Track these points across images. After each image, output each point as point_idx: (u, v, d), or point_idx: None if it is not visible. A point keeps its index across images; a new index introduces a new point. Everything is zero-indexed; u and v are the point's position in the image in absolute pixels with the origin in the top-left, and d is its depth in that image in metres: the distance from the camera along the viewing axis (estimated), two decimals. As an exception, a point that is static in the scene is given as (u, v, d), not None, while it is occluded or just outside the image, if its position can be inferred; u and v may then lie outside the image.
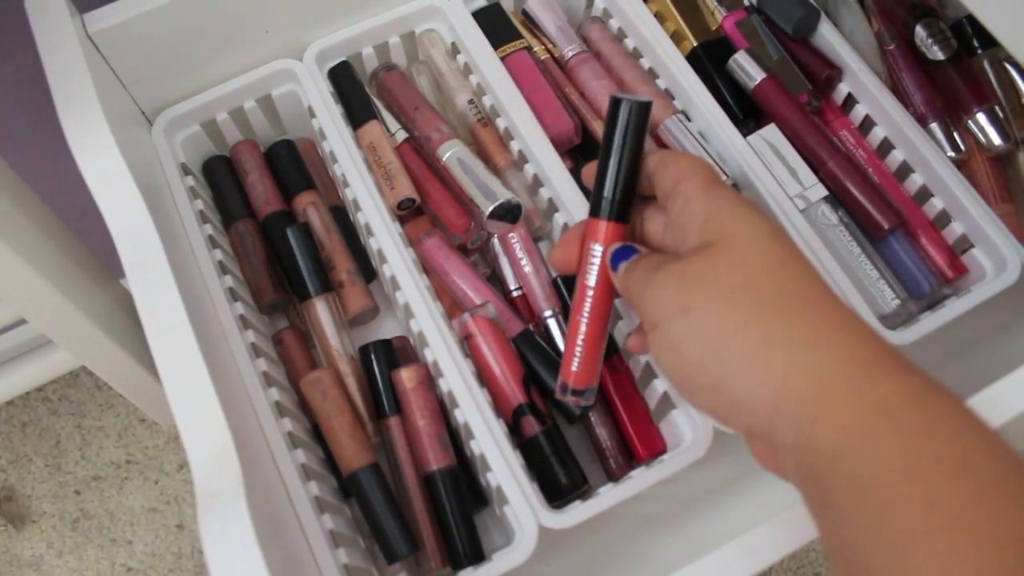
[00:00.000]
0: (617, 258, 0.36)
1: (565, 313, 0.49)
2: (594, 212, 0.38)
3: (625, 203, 0.37)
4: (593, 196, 0.38)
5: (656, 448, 0.46)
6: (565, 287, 0.49)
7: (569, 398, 0.40)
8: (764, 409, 0.28)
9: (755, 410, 0.29)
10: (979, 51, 0.53)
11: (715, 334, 0.30)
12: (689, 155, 0.36)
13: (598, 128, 0.52)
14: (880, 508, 0.25)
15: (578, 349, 0.39)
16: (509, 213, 0.48)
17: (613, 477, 0.46)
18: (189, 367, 0.36)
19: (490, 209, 0.47)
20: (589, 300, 0.38)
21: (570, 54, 0.55)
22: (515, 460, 0.43)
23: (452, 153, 0.50)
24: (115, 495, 0.96)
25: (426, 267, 0.50)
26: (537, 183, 0.51)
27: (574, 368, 0.39)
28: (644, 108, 0.37)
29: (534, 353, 0.47)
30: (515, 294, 0.51)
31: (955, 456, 0.25)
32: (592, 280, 0.38)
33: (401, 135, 0.53)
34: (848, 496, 0.26)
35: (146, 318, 0.37)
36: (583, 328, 0.39)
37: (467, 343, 0.47)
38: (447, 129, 0.51)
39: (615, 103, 0.37)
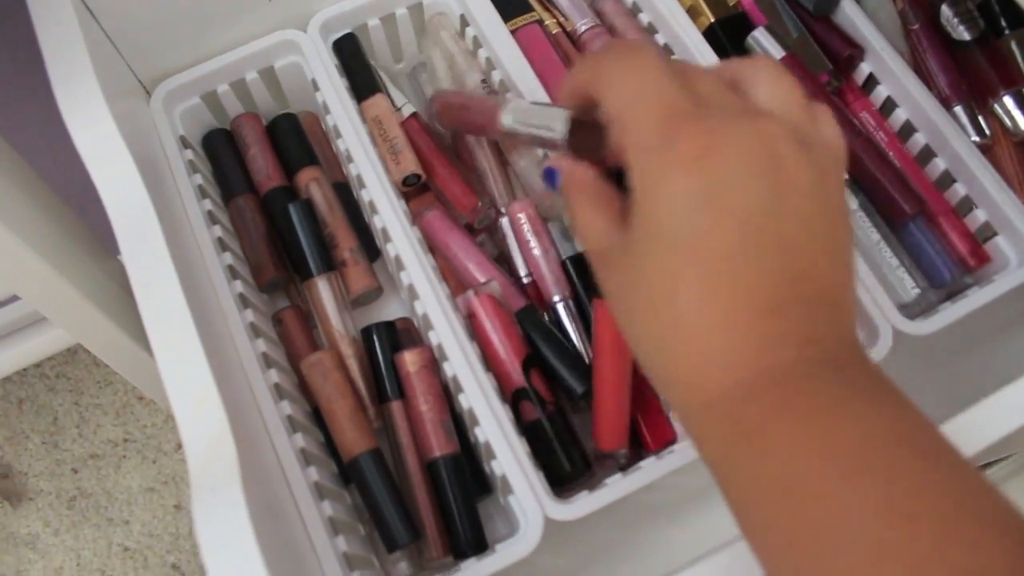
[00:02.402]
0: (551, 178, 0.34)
1: (576, 298, 0.48)
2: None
3: None
4: None
5: (666, 438, 0.44)
6: (575, 271, 0.48)
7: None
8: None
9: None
10: (1007, 32, 0.51)
11: (645, 327, 0.29)
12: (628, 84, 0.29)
13: (611, 106, 0.51)
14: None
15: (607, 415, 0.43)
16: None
17: (621, 467, 0.45)
18: (185, 347, 0.35)
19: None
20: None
21: (583, 28, 0.53)
22: (521, 448, 0.41)
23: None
24: (112, 474, 0.95)
25: (428, 242, 0.49)
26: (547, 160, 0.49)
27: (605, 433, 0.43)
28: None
29: (537, 330, 0.46)
30: (524, 281, 0.49)
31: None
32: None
33: (408, 109, 0.51)
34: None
35: (141, 296, 0.36)
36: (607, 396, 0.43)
37: (470, 322, 0.46)
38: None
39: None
